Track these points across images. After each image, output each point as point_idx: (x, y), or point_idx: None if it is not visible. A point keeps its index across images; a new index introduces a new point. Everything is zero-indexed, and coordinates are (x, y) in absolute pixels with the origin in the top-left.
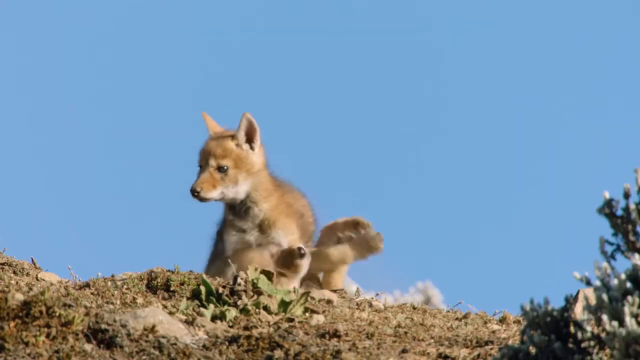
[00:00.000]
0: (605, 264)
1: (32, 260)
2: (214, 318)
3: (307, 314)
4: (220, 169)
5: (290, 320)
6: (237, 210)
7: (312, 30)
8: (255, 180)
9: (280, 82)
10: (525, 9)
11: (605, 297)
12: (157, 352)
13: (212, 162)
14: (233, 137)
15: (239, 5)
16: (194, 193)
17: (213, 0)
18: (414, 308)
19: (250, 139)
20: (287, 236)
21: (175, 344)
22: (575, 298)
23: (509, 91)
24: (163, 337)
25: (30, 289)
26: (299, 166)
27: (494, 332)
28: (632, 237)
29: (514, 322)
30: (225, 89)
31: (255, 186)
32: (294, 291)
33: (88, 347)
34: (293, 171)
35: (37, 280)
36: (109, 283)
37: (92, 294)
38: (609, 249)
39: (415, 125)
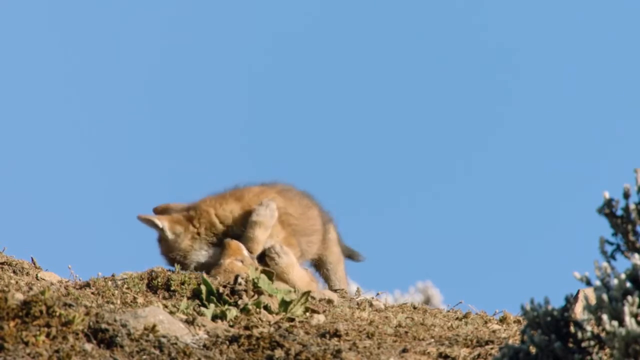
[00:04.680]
0: (605, 264)
1: (32, 260)
2: (214, 317)
3: (307, 314)
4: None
5: (291, 319)
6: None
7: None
8: (198, 239)
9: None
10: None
11: (605, 297)
12: (157, 352)
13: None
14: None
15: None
16: None
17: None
18: (415, 308)
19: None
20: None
21: (176, 343)
22: (575, 298)
23: (503, 89)
24: (163, 336)
25: (30, 288)
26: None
27: (494, 331)
28: (632, 237)
29: (514, 321)
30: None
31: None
32: (294, 291)
33: (88, 346)
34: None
35: (37, 279)
36: (110, 282)
37: (92, 293)
38: (609, 248)
39: (414, 128)
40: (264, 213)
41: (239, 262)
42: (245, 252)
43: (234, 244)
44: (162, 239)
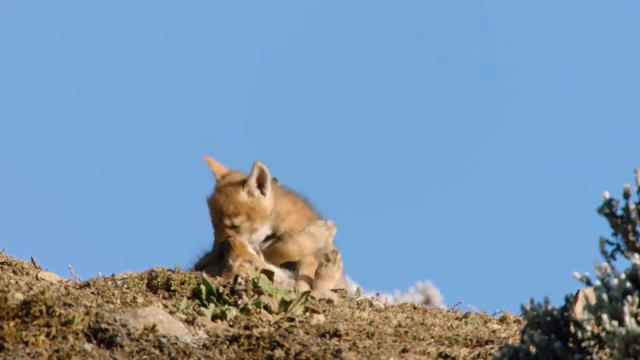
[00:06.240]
0: (605, 264)
1: (32, 260)
2: (214, 317)
3: (307, 314)
4: (235, 227)
5: (291, 319)
6: None
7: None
8: (271, 218)
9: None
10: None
11: (605, 296)
12: (157, 352)
13: (226, 222)
14: (243, 185)
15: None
16: None
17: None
18: (415, 308)
19: (261, 185)
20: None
21: (176, 343)
22: (575, 298)
23: (503, 89)
24: (163, 336)
25: (30, 288)
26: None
27: (494, 331)
28: (632, 237)
29: (514, 321)
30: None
31: (274, 217)
32: (294, 290)
33: (88, 346)
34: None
35: (37, 279)
36: (109, 282)
37: (92, 293)
38: (609, 248)
39: (414, 128)
40: (323, 232)
41: (248, 262)
42: (250, 249)
43: (238, 242)
44: (231, 199)
